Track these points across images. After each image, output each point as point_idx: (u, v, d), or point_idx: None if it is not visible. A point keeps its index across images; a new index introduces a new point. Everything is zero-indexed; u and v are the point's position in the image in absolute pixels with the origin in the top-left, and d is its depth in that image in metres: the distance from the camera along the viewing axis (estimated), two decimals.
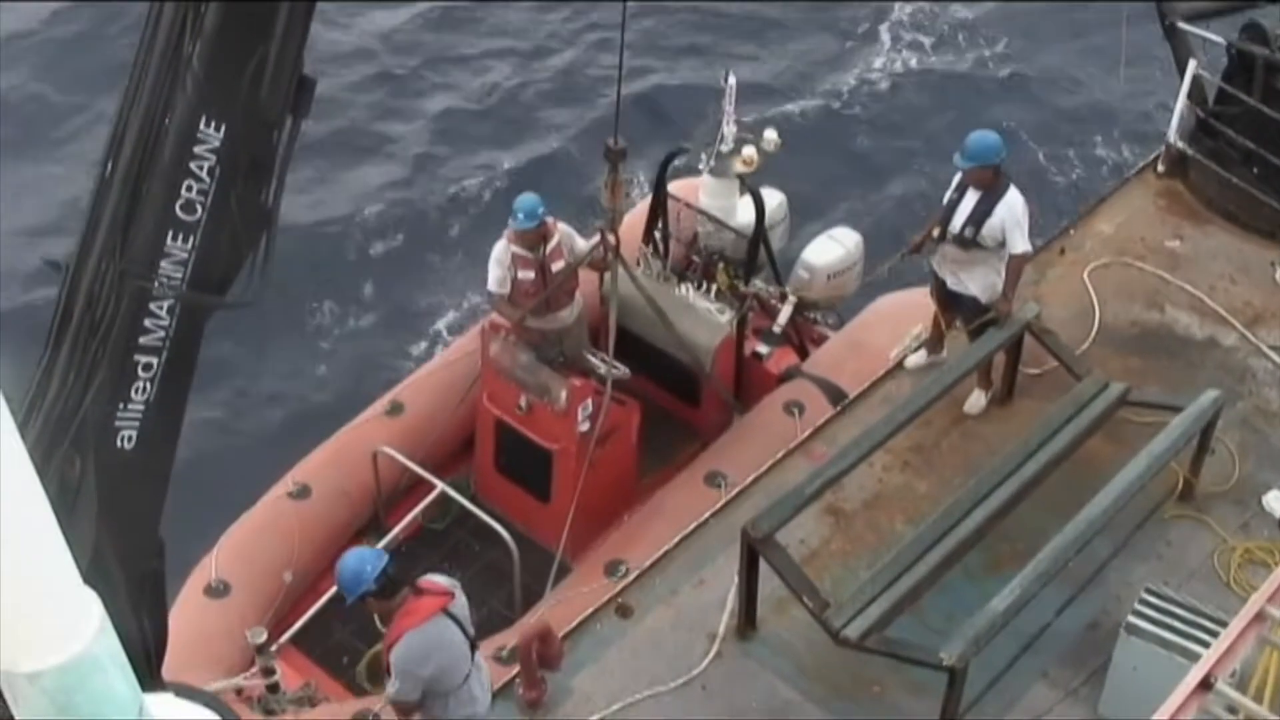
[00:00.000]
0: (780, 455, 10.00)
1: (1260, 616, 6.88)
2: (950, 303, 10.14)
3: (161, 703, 3.92)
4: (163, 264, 5.73)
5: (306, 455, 10.82)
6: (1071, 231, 11.67)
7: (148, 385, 5.85)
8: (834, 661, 8.52)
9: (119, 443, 5.85)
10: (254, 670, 8.79)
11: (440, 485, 10.29)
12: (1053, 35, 19.17)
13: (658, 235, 11.50)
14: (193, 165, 5.64)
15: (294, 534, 10.21)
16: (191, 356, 6.02)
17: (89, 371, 5.71)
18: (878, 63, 18.86)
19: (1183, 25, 11.86)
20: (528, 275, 10.25)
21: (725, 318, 10.98)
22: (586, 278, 10.89)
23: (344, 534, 10.50)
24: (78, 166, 15.06)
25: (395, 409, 11.02)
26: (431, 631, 7.24)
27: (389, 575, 7.22)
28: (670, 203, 11.44)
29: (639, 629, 8.93)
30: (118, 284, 5.67)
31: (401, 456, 10.47)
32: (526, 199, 10.10)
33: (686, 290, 11.12)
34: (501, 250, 10.29)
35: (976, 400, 10.22)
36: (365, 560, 7.27)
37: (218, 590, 9.75)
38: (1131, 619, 8.05)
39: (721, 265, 11.22)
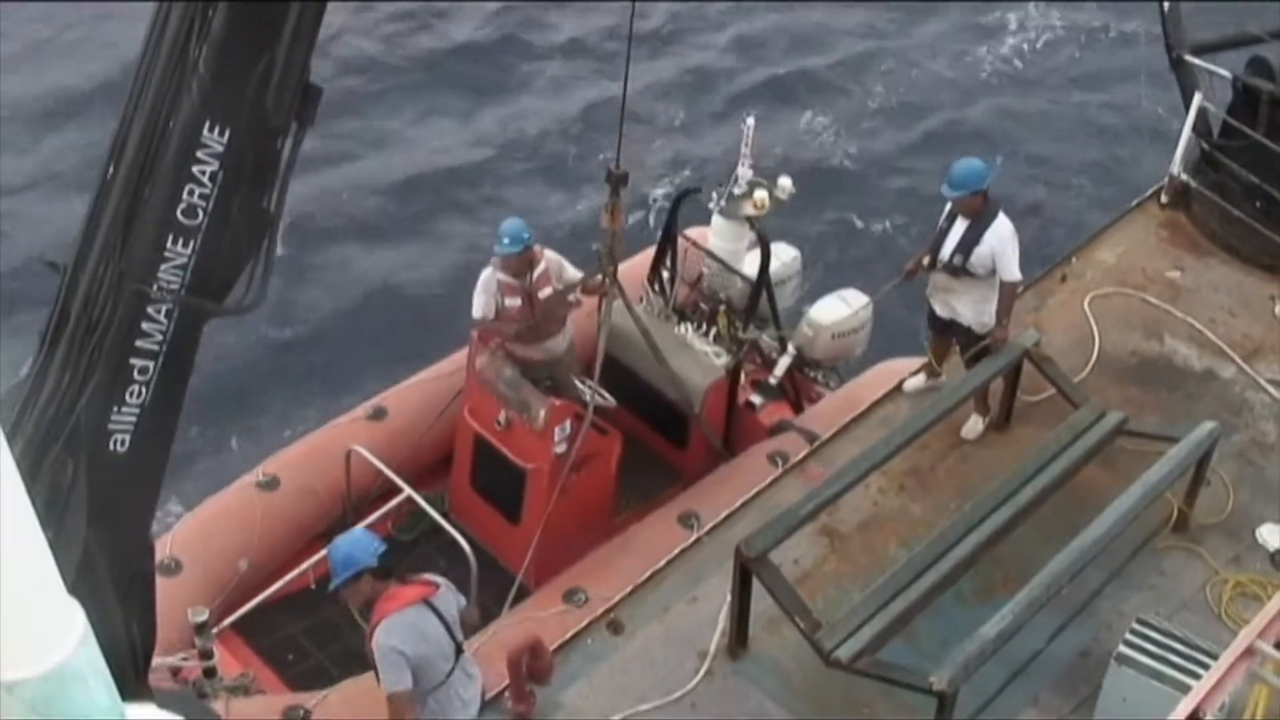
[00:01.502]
0: (777, 474, 9.99)
1: (1250, 651, 6.87)
2: (944, 331, 10.17)
3: (143, 714, 3.88)
4: (162, 268, 5.72)
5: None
6: (1073, 259, 11.68)
7: (143, 389, 5.84)
8: (824, 682, 8.49)
9: (112, 446, 5.84)
10: (192, 651, 8.55)
11: (408, 491, 9.99)
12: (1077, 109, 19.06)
13: (664, 274, 11.37)
14: (195, 170, 5.64)
15: (255, 523, 10.09)
16: (188, 361, 6.02)
17: (84, 374, 5.70)
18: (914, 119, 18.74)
19: (1189, 58, 11.89)
20: (514, 302, 10.06)
21: (721, 361, 10.86)
22: (586, 308, 10.73)
23: (308, 531, 10.39)
24: None
25: (378, 414, 10.93)
26: (410, 617, 7.17)
27: (388, 559, 7.25)
28: (679, 242, 11.30)
29: (630, 645, 8.90)
30: (116, 286, 5.66)
31: (375, 459, 10.25)
32: (511, 223, 9.88)
33: (685, 330, 11.02)
34: (488, 278, 10.11)
35: (974, 425, 10.21)
36: (370, 538, 7.33)
37: (168, 568, 9.48)
38: (1122, 649, 8.04)
39: (723, 309, 11.10)
